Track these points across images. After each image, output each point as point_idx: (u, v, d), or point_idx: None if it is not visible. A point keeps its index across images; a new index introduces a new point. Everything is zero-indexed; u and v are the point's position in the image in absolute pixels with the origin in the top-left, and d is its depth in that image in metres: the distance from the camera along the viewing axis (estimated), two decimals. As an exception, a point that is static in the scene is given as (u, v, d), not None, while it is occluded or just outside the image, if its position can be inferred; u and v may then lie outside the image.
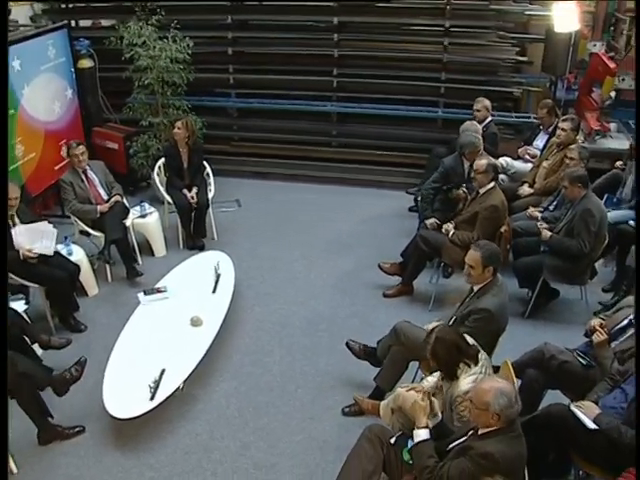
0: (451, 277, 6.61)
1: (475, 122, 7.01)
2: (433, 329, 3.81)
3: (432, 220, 6.33)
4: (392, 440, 3.70)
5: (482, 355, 3.85)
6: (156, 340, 5.10)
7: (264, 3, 8.72)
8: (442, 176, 6.57)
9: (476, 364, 3.75)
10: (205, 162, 7.45)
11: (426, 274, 6.41)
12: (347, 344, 5.16)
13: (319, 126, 9.10)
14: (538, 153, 7.38)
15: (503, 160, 7.27)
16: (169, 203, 7.23)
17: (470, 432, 3.40)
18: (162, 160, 7.41)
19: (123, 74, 8.03)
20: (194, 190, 7.05)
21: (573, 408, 3.85)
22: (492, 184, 5.89)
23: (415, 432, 3.50)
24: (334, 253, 7.16)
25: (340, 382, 5.24)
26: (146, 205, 7.01)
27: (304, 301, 6.31)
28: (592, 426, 3.72)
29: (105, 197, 6.55)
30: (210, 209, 7.25)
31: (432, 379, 4.05)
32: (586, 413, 3.80)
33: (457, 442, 3.44)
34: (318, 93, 8.80)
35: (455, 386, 3.73)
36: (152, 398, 4.53)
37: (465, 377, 3.71)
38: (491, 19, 8.26)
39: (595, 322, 4.46)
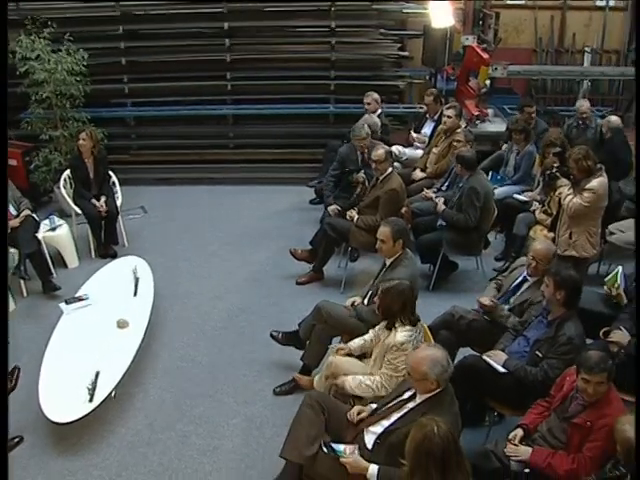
0: (358, 260, 7.04)
1: (374, 115, 7.49)
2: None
3: (334, 207, 6.77)
4: (324, 449, 3.84)
5: (420, 324, 4.32)
6: (86, 345, 5.17)
7: (152, 12, 8.86)
8: (339, 164, 7.09)
9: (413, 326, 4.20)
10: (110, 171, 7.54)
11: (334, 260, 6.82)
12: (271, 335, 5.44)
13: (216, 129, 9.37)
14: (426, 140, 7.96)
15: (395, 149, 7.77)
16: (77, 214, 7.27)
17: (408, 396, 3.75)
18: (67, 172, 7.43)
19: (17, 89, 7.96)
20: (103, 199, 7.14)
21: (484, 357, 4.37)
22: (390, 170, 6.38)
23: (369, 476, 3.63)
24: (244, 249, 7.44)
25: (266, 366, 5.54)
26: (55, 218, 7.03)
27: (222, 295, 6.57)
28: (502, 370, 4.25)
29: (14, 213, 6.52)
30: (119, 217, 7.36)
31: (358, 340, 4.46)
32: (496, 360, 4.32)
33: (394, 402, 3.80)
34: (213, 97, 9.05)
35: (392, 335, 4.16)
36: (91, 400, 4.63)
37: (402, 330, 4.15)
38: (373, 18, 8.83)
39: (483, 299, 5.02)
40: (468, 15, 9.87)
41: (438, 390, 3.60)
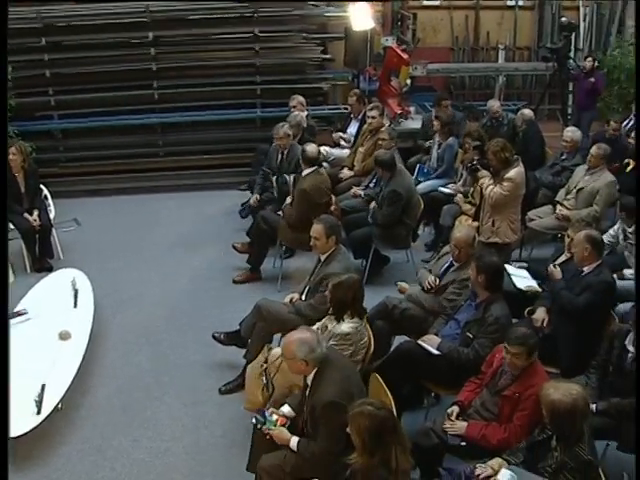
0: (293, 258, 7.23)
1: (302, 114, 7.71)
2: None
3: (254, 197, 7.24)
4: (253, 420, 4.06)
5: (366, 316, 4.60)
6: (29, 358, 5.15)
7: (75, 24, 8.80)
8: (266, 161, 7.47)
9: (360, 319, 4.45)
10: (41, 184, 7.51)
11: (269, 260, 7.02)
12: (213, 336, 5.57)
13: (145, 138, 9.37)
14: (352, 139, 8.23)
15: (322, 149, 7.99)
16: (10, 229, 7.20)
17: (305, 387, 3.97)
18: (-3, 187, 7.36)
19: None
20: (35, 213, 7.10)
21: (419, 342, 4.64)
22: (311, 169, 6.58)
23: (291, 446, 3.87)
24: (181, 254, 7.52)
25: (210, 367, 5.67)
26: (-14, 235, 6.96)
27: (161, 301, 6.65)
28: (436, 352, 4.53)
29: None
30: (53, 230, 7.34)
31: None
32: (430, 344, 4.60)
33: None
34: (141, 106, 9.07)
35: (338, 326, 4.40)
36: (39, 412, 4.64)
37: (348, 322, 4.40)
38: (295, 23, 9.04)
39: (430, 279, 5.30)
40: (387, 17, 10.26)
41: (316, 369, 3.82)
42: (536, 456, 3.67)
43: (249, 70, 9.14)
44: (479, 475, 3.68)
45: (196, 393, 5.39)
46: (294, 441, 3.87)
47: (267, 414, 4.00)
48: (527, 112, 8.38)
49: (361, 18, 8.66)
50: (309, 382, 3.88)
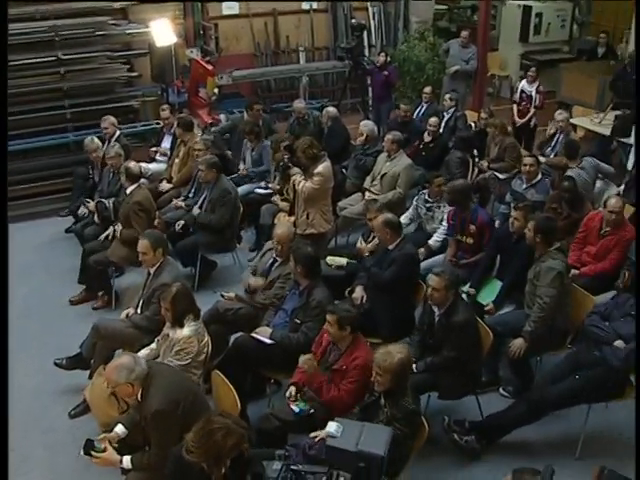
0: (124, 275, 7.30)
1: (94, 138, 7.81)
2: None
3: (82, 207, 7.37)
4: (81, 452, 4.08)
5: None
6: None
7: None
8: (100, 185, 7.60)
9: (197, 320, 4.72)
10: None
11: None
12: (55, 363, 5.57)
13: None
14: (168, 152, 8.45)
15: (140, 165, 8.11)
16: None
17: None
18: None
19: None
20: None
21: (252, 334, 5.00)
22: (135, 185, 6.76)
23: (125, 466, 4.01)
24: (10, 287, 7.31)
25: (57, 394, 5.68)
26: None
27: (-4, 338, 6.51)
28: (269, 342, 4.91)
29: None
30: None
31: (144, 351, 4.86)
32: (263, 335, 4.98)
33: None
34: None
35: (179, 332, 4.62)
36: None
37: (188, 325, 4.64)
38: (98, 43, 9.04)
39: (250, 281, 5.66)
40: (189, 29, 10.50)
41: (141, 389, 3.99)
42: (369, 416, 4.17)
43: (57, 95, 9.00)
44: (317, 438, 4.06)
45: (46, 421, 5.40)
46: (126, 460, 4.00)
47: (96, 442, 4.02)
48: (331, 110, 8.99)
49: (163, 33, 8.86)
50: (139, 398, 4.02)
